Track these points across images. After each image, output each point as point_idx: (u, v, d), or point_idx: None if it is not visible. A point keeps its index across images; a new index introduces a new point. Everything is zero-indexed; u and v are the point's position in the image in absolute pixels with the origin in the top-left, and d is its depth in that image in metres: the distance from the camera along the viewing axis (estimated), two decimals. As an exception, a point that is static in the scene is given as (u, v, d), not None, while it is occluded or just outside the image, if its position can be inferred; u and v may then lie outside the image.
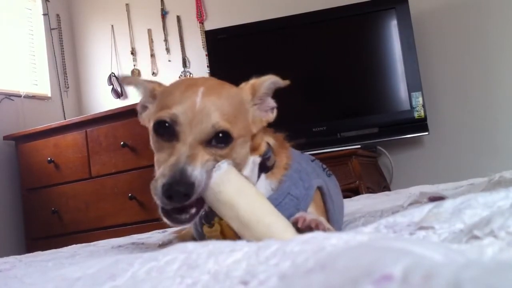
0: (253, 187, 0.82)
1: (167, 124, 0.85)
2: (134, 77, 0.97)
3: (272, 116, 0.98)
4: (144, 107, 0.99)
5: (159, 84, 0.98)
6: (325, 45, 3.19)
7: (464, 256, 0.40)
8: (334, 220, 1.04)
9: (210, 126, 0.84)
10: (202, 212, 0.85)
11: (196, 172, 0.80)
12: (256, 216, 0.76)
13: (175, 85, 0.94)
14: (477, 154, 3.10)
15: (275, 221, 0.77)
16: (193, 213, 0.83)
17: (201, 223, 0.96)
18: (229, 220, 0.78)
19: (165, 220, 0.84)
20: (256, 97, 0.96)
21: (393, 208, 1.27)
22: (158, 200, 0.81)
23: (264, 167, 0.97)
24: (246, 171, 0.94)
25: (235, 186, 0.79)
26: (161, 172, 0.81)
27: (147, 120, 0.95)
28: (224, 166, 0.81)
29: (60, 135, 3.44)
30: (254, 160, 0.96)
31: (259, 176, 0.97)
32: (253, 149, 0.96)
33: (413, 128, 3.01)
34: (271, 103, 0.98)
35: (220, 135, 0.85)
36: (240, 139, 0.89)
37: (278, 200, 0.94)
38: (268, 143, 1.00)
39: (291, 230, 0.78)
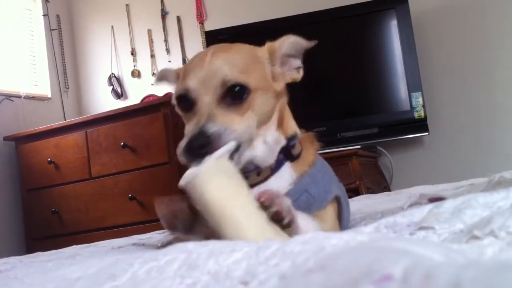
0: (244, 187, 0.73)
1: (186, 97, 0.85)
2: (164, 71, 0.97)
3: (298, 75, 0.95)
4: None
5: (183, 66, 0.98)
6: (325, 45, 3.17)
7: (464, 256, 0.40)
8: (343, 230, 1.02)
9: (220, 80, 0.82)
10: None
11: (214, 128, 0.79)
12: (240, 231, 0.69)
13: (191, 59, 0.93)
14: (477, 154, 3.10)
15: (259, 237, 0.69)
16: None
17: None
18: (212, 228, 0.72)
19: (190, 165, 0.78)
20: (275, 58, 0.94)
21: (393, 209, 1.27)
22: (181, 158, 0.80)
23: (290, 155, 0.93)
24: (264, 145, 0.89)
25: (219, 190, 0.71)
26: (185, 135, 0.81)
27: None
28: (211, 159, 0.73)
29: (60, 135, 3.43)
30: (278, 138, 0.92)
31: (282, 162, 0.91)
32: (279, 125, 0.93)
33: (413, 128, 3.01)
34: (296, 63, 0.95)
35: (236, 89, 0.83)
36: (258, 91, 0.86)
37: (295, 196, 0.89)
38: (296, 134, 0.96)
39: None
